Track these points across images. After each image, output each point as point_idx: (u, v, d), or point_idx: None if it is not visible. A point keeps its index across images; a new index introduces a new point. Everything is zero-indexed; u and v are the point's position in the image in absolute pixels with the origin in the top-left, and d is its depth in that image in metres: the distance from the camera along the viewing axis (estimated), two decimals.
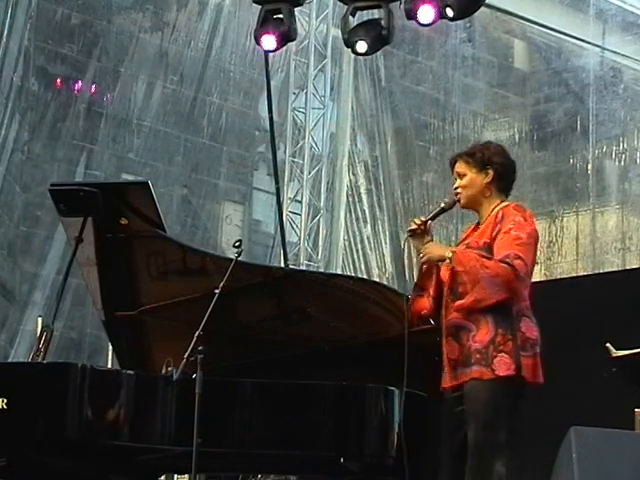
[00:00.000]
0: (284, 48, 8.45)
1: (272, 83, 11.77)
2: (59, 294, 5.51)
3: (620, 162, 13.82)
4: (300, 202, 12.94)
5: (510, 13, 13.97)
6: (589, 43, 13.88)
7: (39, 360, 4.84)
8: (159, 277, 5.37)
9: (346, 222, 13.75)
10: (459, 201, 4.67)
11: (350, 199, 13.86)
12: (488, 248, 4.49)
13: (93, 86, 12.38)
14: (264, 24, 7.63)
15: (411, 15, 7.26)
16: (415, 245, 4.68)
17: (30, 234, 11.74)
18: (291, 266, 11.89)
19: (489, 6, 12.33)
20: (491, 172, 4.62)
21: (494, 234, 4.51)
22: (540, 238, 4.67)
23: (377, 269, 13.92)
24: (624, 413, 5.46)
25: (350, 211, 13.83)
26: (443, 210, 4.72)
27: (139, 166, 12.55)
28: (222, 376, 4.80)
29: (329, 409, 4.86)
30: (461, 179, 4.65)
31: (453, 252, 4.53)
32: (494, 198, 4.64)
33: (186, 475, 6.91)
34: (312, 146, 13.08)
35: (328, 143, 13.33)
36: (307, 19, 13.01)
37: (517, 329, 4.42)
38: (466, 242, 4.63)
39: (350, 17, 7.52)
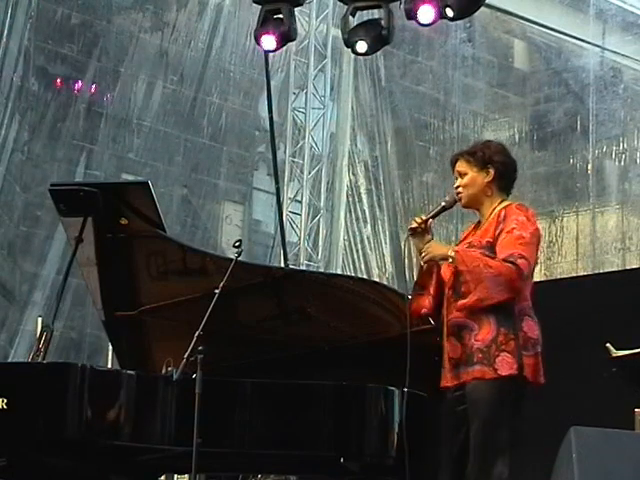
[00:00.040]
0: (284, 48, 8.45)
1: (272, 83, 11.77)
2: (59, 294, 5.50)
3: (620, 162, 13.81)
4: (300, 202, 12.93)
5: (510, 13, 13.96)
6: (589, 43, 13.87)
7: (39, 360, 4.82)
8: (159, 277, 5.37)
9: (346, 222, 13.73)
10: (460, 200, 4.67)
11: (350, 199, 13.84)
12: (491, 247, 4.49)
13: (93, 86, 12.37)
14: (264, 24, 7.63)
15: (411, 15, 7.26)
16: (415, 244, 4.68)
17: (30, 234, 11.73)
18: (291, 266, 11.88)
19: (489, 6, 12.32)
20: (492, 171, 4.62)
21: (497, 233, 4.51)
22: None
23: (377, 269, 13.90)
24: (624, 413, 5.46)
25: (350, 211, 13.82)
26: (444, 208, 4.71)
27: (139, 166, 12.54)
28: (222, 376, 4.79)
29: (329, 409, 4.85)
30: (462, 178, 4.65)
31: (456, 251, 4.53)
32: (495, 197, 4.63)
33: (186, 475, 6.91)
34: (312, 146, 13.06)
35: (328, 143, 13.32)
36: (307, 19, 13.00)
37: (519, 328, 4.43)
38: (468, 241, 4.62)
39: (350, 17, 7.52)
